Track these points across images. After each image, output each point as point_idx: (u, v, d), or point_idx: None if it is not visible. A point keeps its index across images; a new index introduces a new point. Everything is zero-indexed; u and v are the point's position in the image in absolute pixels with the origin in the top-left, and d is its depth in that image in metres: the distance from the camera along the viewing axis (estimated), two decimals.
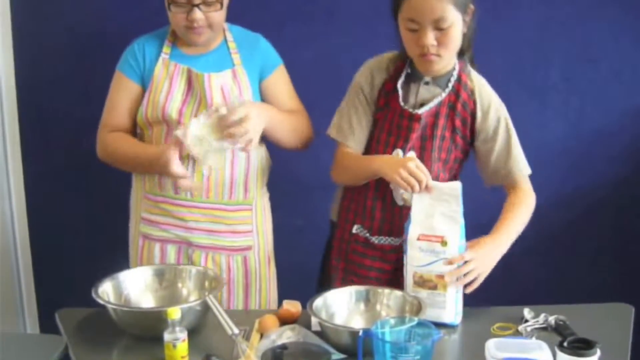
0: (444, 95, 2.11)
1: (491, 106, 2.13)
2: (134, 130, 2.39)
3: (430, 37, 1.97)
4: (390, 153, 2.13)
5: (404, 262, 2.00)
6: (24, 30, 2.97)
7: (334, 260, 2.27)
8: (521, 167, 2.16)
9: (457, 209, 1.97)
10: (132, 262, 2.43)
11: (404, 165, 1.98)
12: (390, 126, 2.14)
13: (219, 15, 2.24)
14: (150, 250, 2.36)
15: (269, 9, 2.90)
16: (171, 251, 2.36)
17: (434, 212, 1.98)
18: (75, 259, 3.11)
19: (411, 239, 1.97)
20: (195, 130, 2.09)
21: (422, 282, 1.96)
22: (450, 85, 2.11)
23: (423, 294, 1.96)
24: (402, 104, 2.12)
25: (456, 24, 1.97)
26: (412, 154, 2.11)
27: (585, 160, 3.08)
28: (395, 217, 2.16)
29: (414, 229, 1.97)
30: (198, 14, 2.19)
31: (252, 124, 2.11)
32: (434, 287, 1.96)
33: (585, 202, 3.10)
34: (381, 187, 2.17)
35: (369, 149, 2.21)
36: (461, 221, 1.97)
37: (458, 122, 2.13)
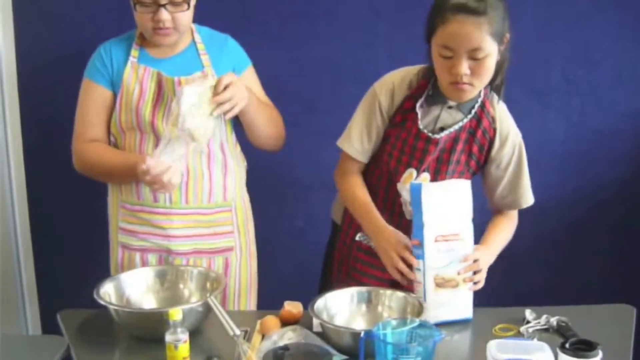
0: (465, 120, 2.06)
1: (509, 136, 2.10)
2: (109, 138, 2.34)
3: (465, 67, 1.89)
4: (403, 171, 2.11)
5: (419, 268, 1.96)
6: (26, 30, 2.97)
7: (336, 266, 2.26)
8: (527, 199, 2.15)
9: (468, 205, 1.98)
10: (112, 272, 2.39)
11: (401, 254, 2.00)
12: (403, 145, 2.10)
13: (185, 15, 2.20)
14: (131, 260, 2.34)
15: (270, 10, 2.90)
16: (152, 260, 2.33)
17: (446, 212, 1.96)
18: (77, 260, 3.11)
19: (428, 243, 1.94)
20: (190, 98, 2.05)
21: (443, 283, 1.96)
22: (473, 111, 2.07)
23: (444, 294, 1.96)
24: (420, 126, 2.07)
25: (492, 55, 1.90)
26: (425, 176, 2.10)
27: (587, 161, 3.07)
28: (401, 229, 2.12)
29: (429, 232, 1.94)
30: (164, 14, 2.15)
31: (237, 89, 2.10)
32: (456, 285, 1.96)
33: (587, 204, 3.10)
34: (389, 199, 2.17)
35: (379, 162, 2.18)
36: (472, 216, 1.98)
37: (475, 148, 2.10)
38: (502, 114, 2.10)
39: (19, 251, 3.07)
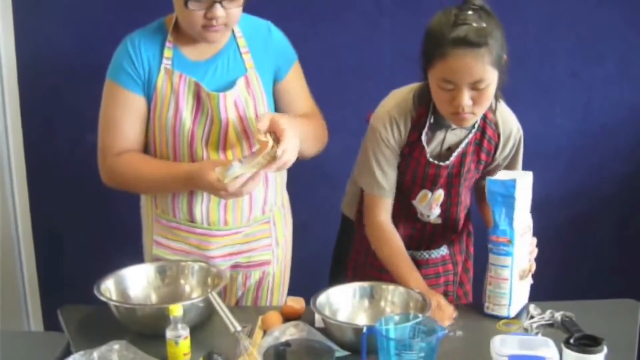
0: (470, 136, 2.04)
1: (511, 134, 2.09)
2: (144, 148, 2.14)
3: (467, 98, 1.84)
4: (417, 190, 2.11)
5: (507, 265, 1.94)
6: (26, 28, 2.97)
7: (351, 272, 2.25)
8: None
9: (530, 195, 2.01)
10: None
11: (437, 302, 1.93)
12: (414, 173, 2.08)
13: (239, 11, 1.99)
14: None
15: (273, 7, 2.89)
16: None
17: (523, 205, 1.97)
18: (78, 257, 3.11)
19: (517, 238, 1.93)
20: (236, 172, 1.89)
21: (523, 275, 1.98)
22: (476, 125, 2.04)
23: (522, 285, 1.99)
24: (430, 159, 2.04)
25: (493, 83, 1.86)
26: (440, 193, 2.10)
27: (592, 156, 3.07)
28: (415, 233, 2.14)
29: (518, 228, 1.93)
30: (220, 10, 1.92)
31: (291, 155, 1.92)
32: (528, 274, 2.01)
33: (592, 198, 3.09)
34: (404, 207, 2.15)
35: None
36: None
37: (483, 156, 2.09)
38: (502, 115, 2.08)
39: (20, 248, 3.08)
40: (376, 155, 2.08)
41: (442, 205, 2.14)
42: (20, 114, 3.03)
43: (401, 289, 1.98)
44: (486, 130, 2.05)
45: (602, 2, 2.92)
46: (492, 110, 2.04)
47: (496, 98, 2.01)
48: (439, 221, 2.17)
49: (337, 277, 2.29)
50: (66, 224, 3.13)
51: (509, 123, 2.08)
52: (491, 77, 1.84)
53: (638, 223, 3.10)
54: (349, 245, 2.31)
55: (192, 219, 2.16)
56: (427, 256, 2.21)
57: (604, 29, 2.95)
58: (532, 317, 1.95)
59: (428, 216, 2.15)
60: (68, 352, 1.82)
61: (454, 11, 1.84)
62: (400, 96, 2.07)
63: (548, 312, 1.95)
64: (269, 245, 2.27)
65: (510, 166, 2.14)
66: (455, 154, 2.05)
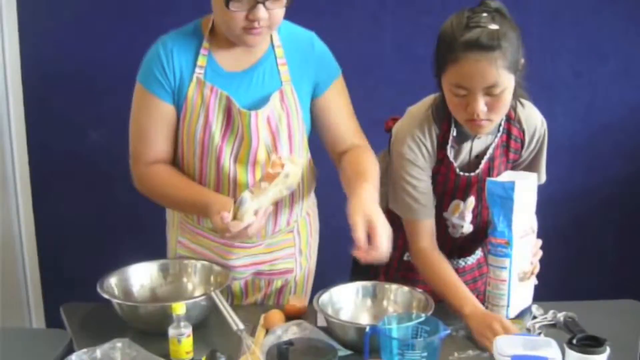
0: (497, 140, 1.99)
1: (536, 131, 2.02)
2: (174, 156, 2.07)
3: (481, 104, 1.78)
4: (448, 202, 2.05)
5: (505, 266, 1.92)
6: (30, 28, 2.97)
7: (384, 276, 2.20)
8: (541, 177, 2.10)
9: (535, 197, 1.99)
10: None
11: (493, 330, 1.80)
12: (444, 188, 2.02)
13: (282, 13, 1.89)
14: None
15: None
16: None
17: (525, 207, 1.94)
18: (81, 254, 3.11)
19: (516, 241, 1.91)
20: (248, 207, 1.82)
21: (524, 277, 1.96)
22: (501, 128, 1.99)
23: (522, 287, 1.97)
24: (460, 173, 1.99)
25: (509, 87, 1.80)
26: (471, 200, 2.05)
27: (594, 155, 3.07)
28: (447, 245, 2.08)
29: (517, 231, 1.91)
30: (263, 12, 1.82)
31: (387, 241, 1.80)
32: (530, 276, 1.99)
33: (594, 198, 3.09)
34: (435, 218, 2.08)
35: None
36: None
37: (512, 155, 2.04)
38: (525, 112, 2.01)
39: (23, 245, 3.08)
40: (407, 179, 1.99)
41: (473, 211, 2.07)
42: (24, 114, 3.03)
43: (404, 288, 1.98)
44: (512, 131, 2.00)
45: (604, 2, 2.92)
46: (514, 108, 1.97)
47: (517, 98, 1.95)
48: (471, 229, 2.09)
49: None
50: (69, 221, 3.13)
51: (533, 119, 2.02)
52: (506, 82, 1.78)
53: None
54: None
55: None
56: (463, 264, 2.17)
57: (607, 28, 2.95)
58: (534, 318, 1.95)
59: (461, 226, 2.07)
60: (70, 350, 1.82)
61: (466, 13, 1.79)
62: (418, 114, 2.00)
63: (551, 312, 1.95)
64: (292, 254, 2.22)
65: (535, 159, 2.07)
66: (484, 161, 1.99)
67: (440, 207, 2.07)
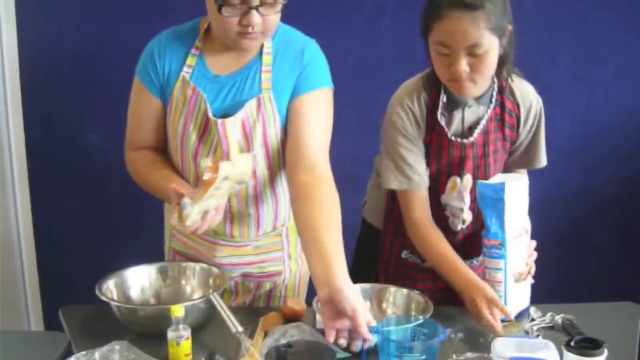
0: (490, 111, 2.02)
1: (532, 106, 2.06)
2: (163, 144, 2.13)
3: (463, 64, 1.83)
4: (445, 180, 2.06)
5: (500, 267, 1.93)
6: (29, 29, 2.97)
7: (383, 277, 2.22)
8: (542, 160, 2.13)
9: (527, 198, 2.00)
10: None
11: (491, 311, 1.84)
12: (438, 162, 2.04)
13: (276, 18, 1.91)
14: None
15: None
16: None
17: (517, 208, 1.96)
18: (79, 257, 3.11)
19: (509, 242, 1.92)
20: (189, 212, 1.82)
21: (519, 278, 1.96)
22: (494, 99, 2.02)
23: (519, 288, 1.97)
24: (452, 137, 2.01)
25: (492, 50, 1.83)
26: (468, 178, 2.05)
27: (592, 158, 3.07)
28: (449, 240, 2.08)
29: (510, 231, 1.92)
30: (256, 17, 1.83)
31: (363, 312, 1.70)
32: (526, 277, 1.98)
33: (592, 200, 3.09)
34: (433, 215, 2.09)
35: None
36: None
37: (507, 131, 2.06)
38: (520, 87, 2.05)
39: (22, 247, 3.08)
40: (397, 148, 2.02)
41: (471, 193, 2.07)
42: (22, 114, 3.03)
43: (403, 290, 1.98)
44: (505, 104, 2.03)
45: (602, 4, 2.92)
46: (505, 79, 2.01)
47: (508, 73, 1.99)
48: (470, 217, 2.10)
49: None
50: (67, 223, 3.13)
51: (529, 94, 2.05)
52: (489, 43, 1.81)
53: (638, 225, 3.10)
54: (372, 252, 2.27)
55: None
56: (468, 265, 2.13)
57: (605, 31, 2.95)
58: (532, 320, 1.95)
59: (461, 210, 2.07)
60: (69, 352, 1.82)
61: None
62: (410, 84, 2.06)
63: (549, 314, 1.95)
64: (280, 257, 2.22)
65: (534, 141, 2.09)
66: (478, 130, 2.01)
67: (438, 191, 2.08)
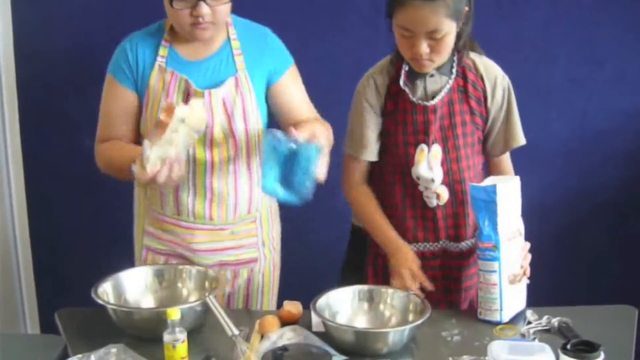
0: (451, 82, 2.10)
1: (497, 80, 2.13)
2: (135, 139, 2.20)
3: (424, 46, 1.97)
4: (413, 153, 2.11)
5: (495, 270, 1.95)
6: (25, 30, 2.96)
7: (371, 278, 2.23)
8: (519, 139, 2.17)
9: (519, 199, 2.03)
10: None
11: (414, 272, 2.04)
12: (405, 126, 2.12)
13: (226, 8, 2.06)
14: (155, 262, 2.25)
15: (271, 9, 2.89)
16: None
17: (509, 209, 1.98)
18: (76, 260, 3.10)
19: (503, 244, 1.94)
20: (148, 155, 1.88)
21: (514, 280, 1.98)
22: (454, 70, 2.11)
23: (514, 290, 1.99)
24: (414, 100, 2.09)
25: (450, 33, 1.97)
26: (437, 148, 2.10)
27: (589, 161, 3.06)
28: (428, 222, 2.15)
29: (503, 233, 1.94)
30: (205, 8, 1.99)
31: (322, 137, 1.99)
32: (521, 279, 2.01)
33: (589, 203, 3.09)
34: (408, 194, 2.15)
35: (390, 156, 2.17)
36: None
37: (473, 103, 2.12)
38: (485, 63, 2.15)
39: (18, 250, 3.08)
40: (356, 114, 2.18)
41: (443, 166, 2.11)
42: (19, 117, 3.02)
43: (400, 292, 1.99)
44: (467, 75, 2.11)
45: (600, 7, 2.92)
46: (460, 49, 2.10)
47: (464, 45, 2.10)
48: (447, 194, 2.12)
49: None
50: (63, 226, 3.13)
51: (493, 69, 2.15)
52: (447, 28, 1.95)
53: (635, 228, 3.10)
54: (362, 255, 2.28)
55: (178, 212, 2.21)
56: (456, 248, 2.18)
57: (602, 34, 2.95)
58: (529, 323, 1.95)
59: (432, 180, 2.10)
60: (65, 355, 1.82)
61: None
62: (381, 62, 2.21)
63: (545, 317, 1.95)
64: (255, 243, 2.29)
65: (509, 122, 2.14)
66: (440, 96, 2.09)
67: (409, 162, 2.12)
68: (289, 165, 1.90)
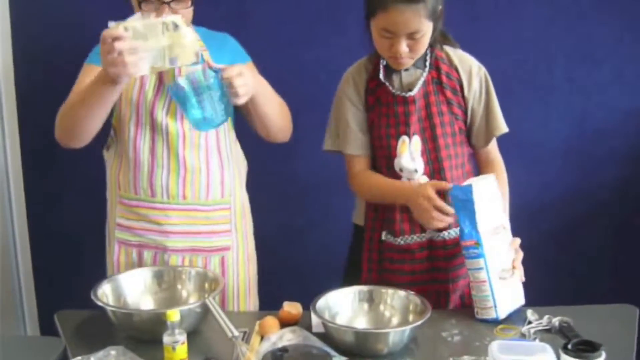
0: (425, 74, 2.16)
1: (472, 70, 2.18)
2: (106, 127, 2.25)
3: (403, 46, 2.04)
4: (395, 145, 2.14)
5: (481, 267, 1.97)
6: (23, 29, 2.96)
7: (365, 268, 2.24)
8: (501, 127, 2.20)
9: (499, 195, 2.07)
10: (108, 269, 2.38)
11: (431, 201, 2.02)
12: (387, 119, 2.17)
13: (188, 12, 2.18)
14: (128, 256, 2.31)
15: (269, 10, 2.89)
16: (147, 257, 2.30)
17: (489, 205, 2.01)
18: (75, 261, 3.10)
19: (485, 240, 1.96)
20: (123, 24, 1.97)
21: (505, 275, 2.00)
22: (427, 63, 2.16)
23: (507, 286, 1.99)
24: (393, 91, 2.15)
25: (428, 32, 2.04)
26: (417, 139, 2.14)
27: (588, 160, 3.06)
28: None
29: (483, 229, 1.97)
30: (167, 12, 2.11)
31: (247, 79, 2.04)
32: (513, 274, 2.02)
33: (588, 203, 3.08)
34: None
35: (375, 150, 2.22)
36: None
37: (449, 93, 2.16)
38: (458, 54, 2.21)
39: (17, 252, 3.07)
40: (337, 111, 2.26)
41: (423, 156, 2.15)
42: (17, 116, 3.02)
43: (401, 292, 1.98)
44: (440, 67, 2.17)
45: (598, 6, 2.92)
46: (440, 48, 2.19)
47: (435, 40, 2.15)
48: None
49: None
50: (63, 228, 3.12)
51: (467, 60, 2.20)
52: (426, 28, 2.03)
53: (635, 227, 3.10)
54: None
55: (152, 194, 2.27)
56: (445, 236, 2.17)
57: (601, 33, 2.95)
58: (529, 323, 1.95)
59: (415, 171, 2.14)
60: (65, 357, 1.82)
61: None
62: (359, 61, 2.28)
63: (546, 317, 1.94)
64: (228, 230, 2.35)
65: (489, 111, 2.19)
66: (416, 87, 2.14)
67: (392, 154, 2.16)
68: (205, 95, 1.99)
